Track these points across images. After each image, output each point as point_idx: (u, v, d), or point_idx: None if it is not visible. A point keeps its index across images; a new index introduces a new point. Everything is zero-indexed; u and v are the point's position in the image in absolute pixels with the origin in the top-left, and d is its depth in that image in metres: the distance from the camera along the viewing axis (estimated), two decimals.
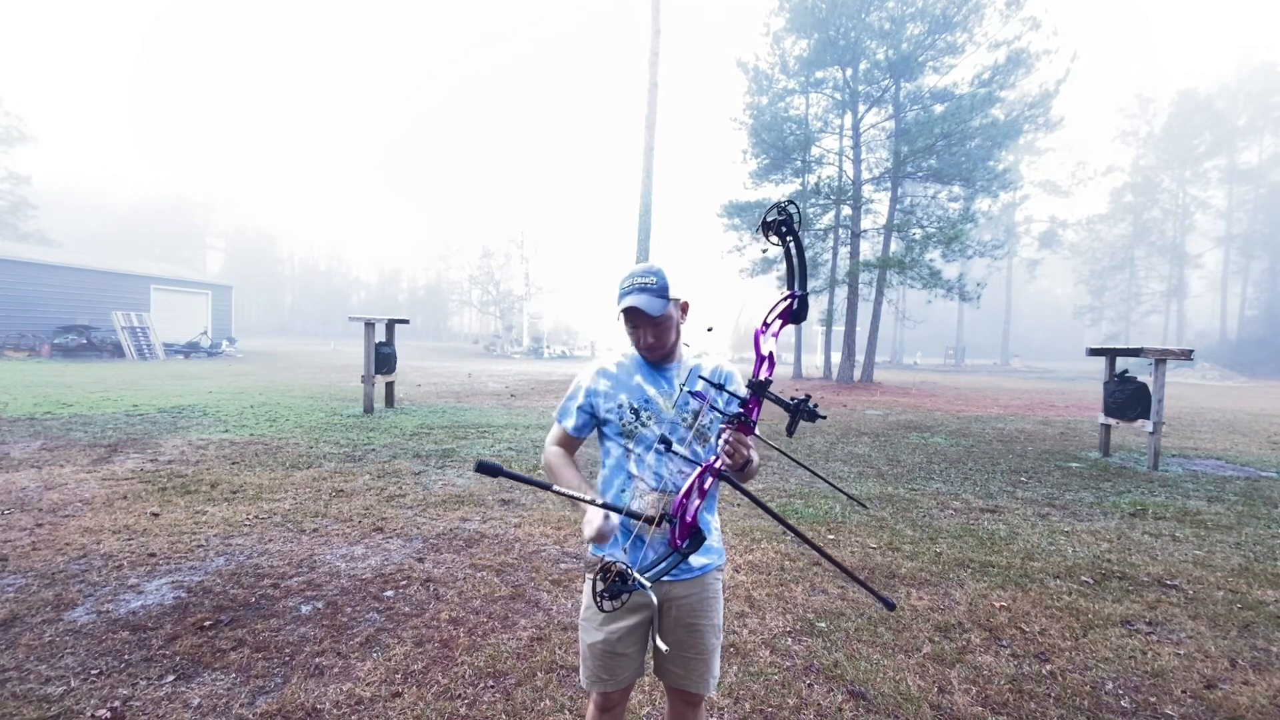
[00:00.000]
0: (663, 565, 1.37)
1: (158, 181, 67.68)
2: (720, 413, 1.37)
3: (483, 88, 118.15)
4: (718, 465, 1.34)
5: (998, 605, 3.35)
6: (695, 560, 1.58)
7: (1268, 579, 3.81)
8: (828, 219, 22.29)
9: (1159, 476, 6.86)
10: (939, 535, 4.58)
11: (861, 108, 22.22)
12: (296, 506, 4.89)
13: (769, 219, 1.30)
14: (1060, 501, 5.69)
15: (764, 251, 1.64)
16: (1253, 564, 4.09)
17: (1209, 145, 43.52)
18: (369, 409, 10.21)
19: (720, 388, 1.41)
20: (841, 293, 23.03)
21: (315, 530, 4.35)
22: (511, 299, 55.28)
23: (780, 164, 22.37)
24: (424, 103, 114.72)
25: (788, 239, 1.30)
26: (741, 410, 1.34)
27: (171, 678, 2.48)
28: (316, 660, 2.65)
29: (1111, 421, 7.99)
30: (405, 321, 11.92)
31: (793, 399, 1.28)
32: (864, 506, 5.09)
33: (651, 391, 1.58)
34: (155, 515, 4.52)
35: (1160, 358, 7.44)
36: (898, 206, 22.28)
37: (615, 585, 1.21)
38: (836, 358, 23.14)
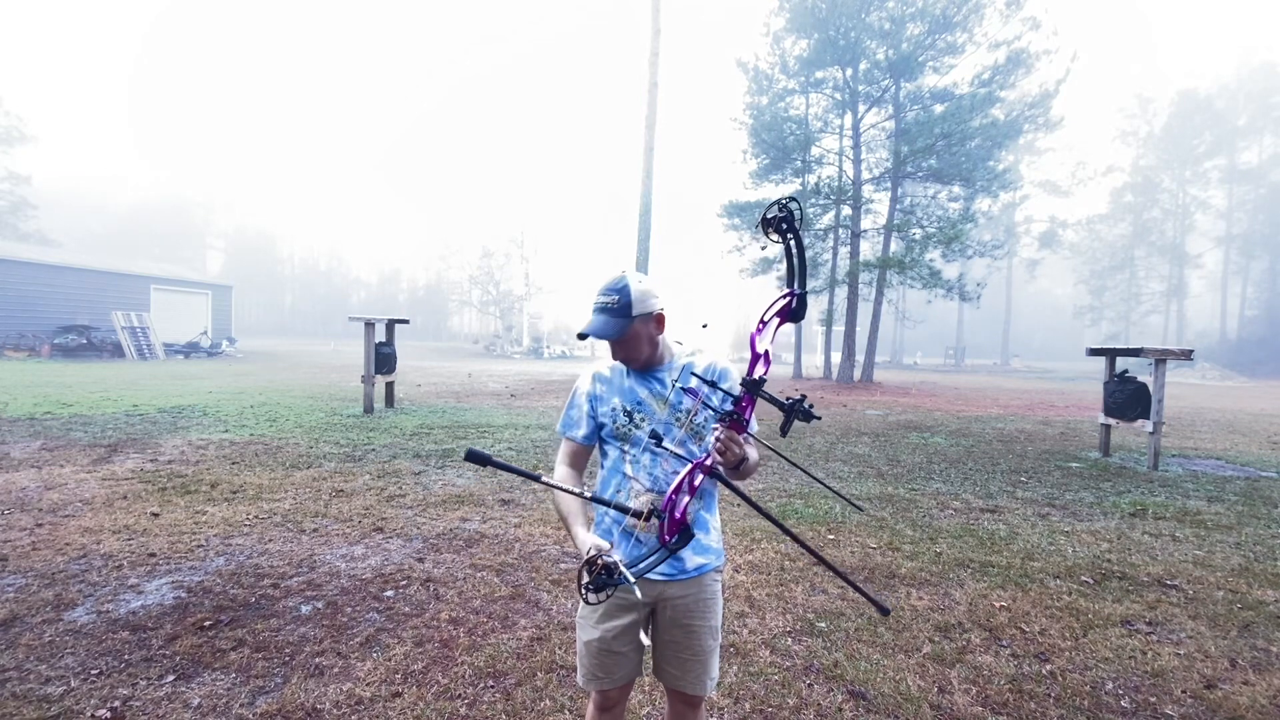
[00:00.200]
0: (650, 560, 1.37)
1: (158, 181, 67.76)
2: (714, 410, 1.36)
3: (483, 88, 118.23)
4: (708, 463, 1.34)
5: (998, 605, 3.35)
6: (691, 560, 1.57)
7: (1268, 579, 3.81)
8: (828, 219, 22.29)
9: (1159, 476, 6.86)
10: (939, 535, 4.58)
11: (861, 108, 22.22)
12: (296, 506, 4.89)
13: (769, 215, 1.28)
14: (1060, 501, 5.69)
15: (763, 249, 1.63)
16: (1253, 564, 4.09)
17: (1209, 145, 43.51)
18: (369, 409, 10.21)
19: (714, 385, 1.40)
20: (841, 293, 23.02)
21: (315, 530, 4.35)
22: (511, 299, 55.29)
23: (780, 164, 22.37)
24: (424, 103, 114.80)
25: (788, 236, 1.28)
26: (734, 409, 1.33)
27: (171, 678, 2.48)
28: (316, 660, 2.65)
29: (1111, 421, 7.99)
30: (405, 321, 11.93)
31: (788, 399, 1.27)
32: (860, 509, 5.07)
33: (644, 393, 1.58)
34: (155, 515, 4.52)
35: (1160, 358, 7.44)
36: (898, 206, 22.28)
37: (600, 578, 1.22)
38: (836, 358, 23.14)
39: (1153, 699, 2.49)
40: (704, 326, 1.66)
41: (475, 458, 1.24)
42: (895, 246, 21.17)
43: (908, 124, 21.21)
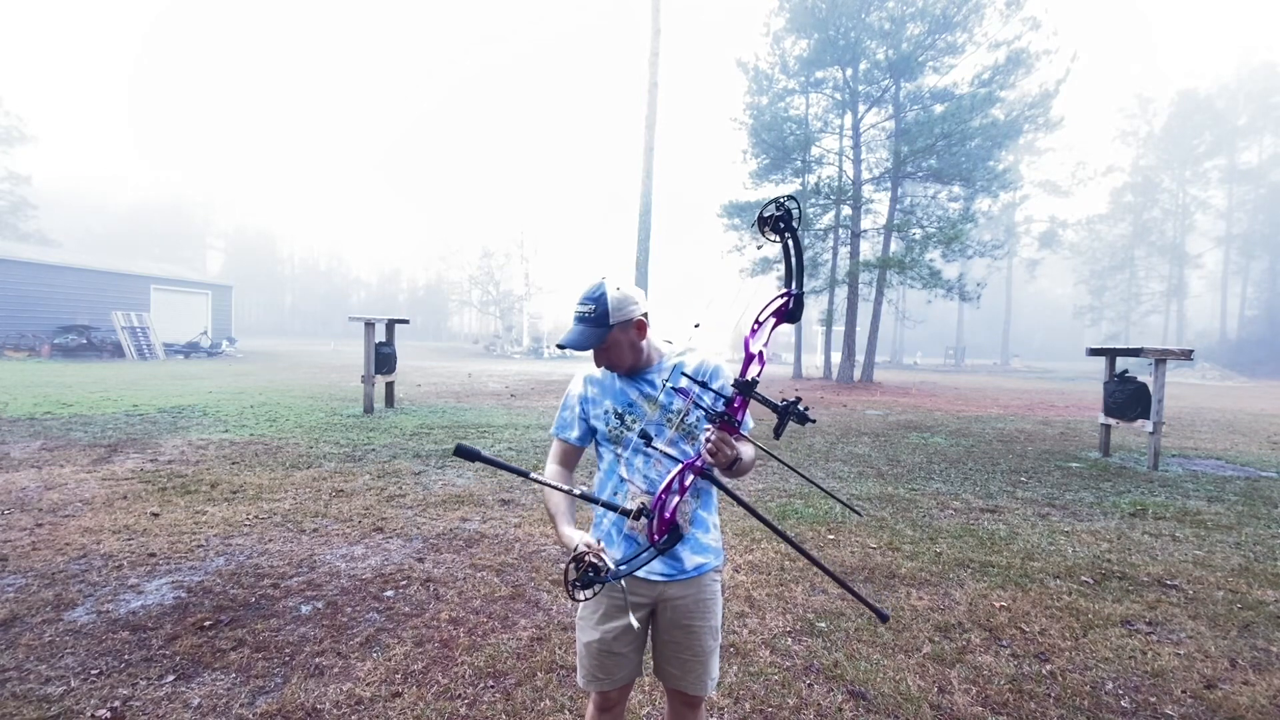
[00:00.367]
0: (639, 559, 1.37)
1: (158, 181, 67.74)
2: (706, 410, 1.35)
3: (483, 88, 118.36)
4: (699, 464, 1.33)
5: (998, 605, 3.35)
6: (690, 559, 1.57)
7: (1268, 579, 3.81)
8: (828, 219, 22.28)
9: (1159, 476, 6.86)
10: (939, 535, 4.58)
11: (861, 108, 22.22)
12: (296, 506, 4.89)
13: (766, 214, 1.25)
14: (1060, 501, 5.69)
15: (759, 248, 1.62)
16: (1253, 564, 4.09)
17: (1209, 145, 43.49)
18: (369, 409, 10.21)
19: (705, 385, 1.39)
20: (841, 293, 23.01)
21: (315, 530, 4.35)
22: (511, 299, 55.28)
23: (780, 164, 22.37)
24: (424, 103, 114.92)
25: (785, 235, 1.25)
26: (725, 409, 1.32)
27: (171, 678, 2.48)
28: (316, 660, 2.65)
29: (1111, 421, 7.99)
30: (405, 321, 11.93)
31: (782, 400, 1.25)
32: (858, 514, 5.05)
33: (634, 395, 1.57)
34: (155, 515, 4.52)
35: (1160, 358, 7.44)
36: (898, 206, 22.27)
37: (588, 575, 1.22)
38: (836, 358, 23.13)
39: (1153, 699, 2.49)
40: (696, 326, 1.65)
41: (464, 453, 1.25)
42: (895, 246, 21.16)
43: (908, 124, 21.21)
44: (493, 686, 2.50)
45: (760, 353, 1.31)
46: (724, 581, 3.53)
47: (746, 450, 1.41)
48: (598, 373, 1.64)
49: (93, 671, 2.50)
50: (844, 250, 22.72)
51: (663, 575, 1.55)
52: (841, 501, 1.78)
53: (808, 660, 2.75)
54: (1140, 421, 7.50)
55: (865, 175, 22.56)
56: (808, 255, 22.05)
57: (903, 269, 19.34)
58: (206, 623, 2.94)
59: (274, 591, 3.33)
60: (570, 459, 1.69)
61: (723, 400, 1.35)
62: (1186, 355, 7.54)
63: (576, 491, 1.33)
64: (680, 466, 1.35)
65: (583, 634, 1.62)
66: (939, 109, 20.62)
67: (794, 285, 1.30)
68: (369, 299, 72.01)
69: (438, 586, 3.46)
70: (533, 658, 2.72)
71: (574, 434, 1.65)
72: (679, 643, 1.59)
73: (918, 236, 20.17)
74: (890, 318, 30.69)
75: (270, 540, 4.11)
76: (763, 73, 22.81)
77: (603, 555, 1.23)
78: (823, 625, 3.08)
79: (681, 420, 1.52)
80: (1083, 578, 3.78)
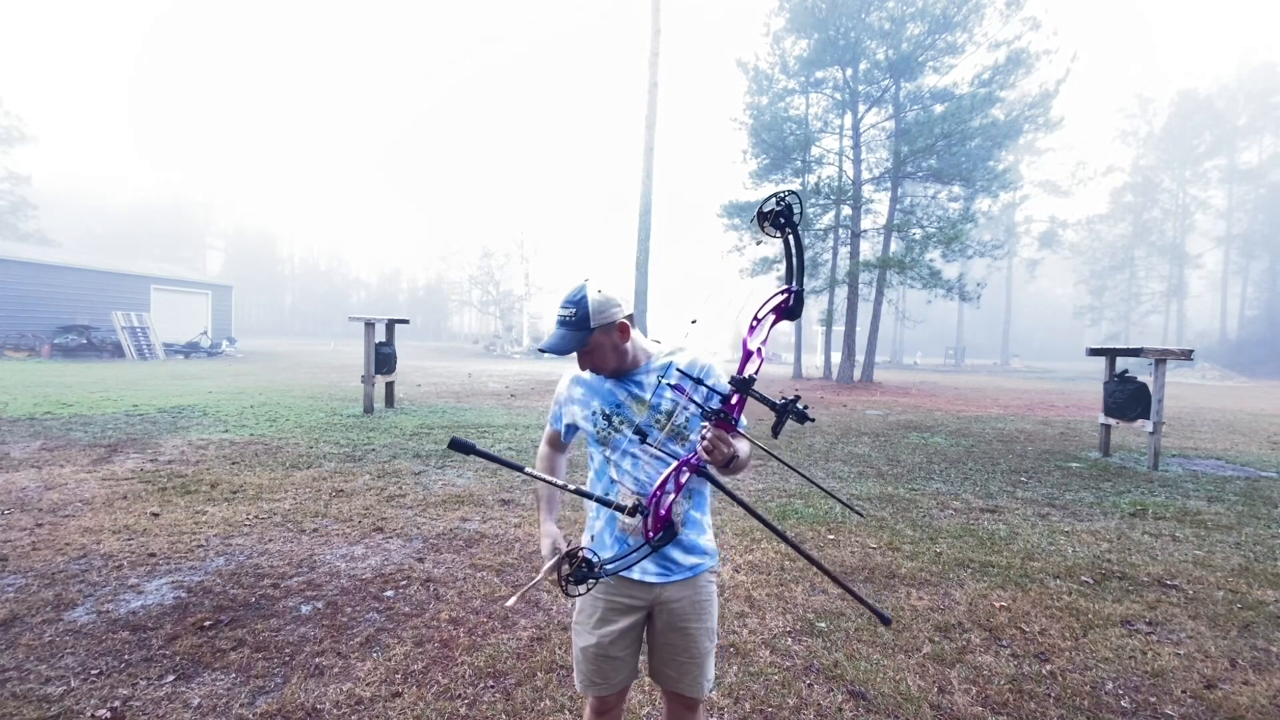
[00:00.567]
0: (633, 556, 1.36)
1: (158, 181, 67.73)
2: (700, 408, 1.33)
3: (483, 88, 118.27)
4: (694, 460, 1.32)
5: (998, 605, 3.35)
6: (685, 560, 1.56)
7: (1268, 579, 3.81)
8: (828, 219, 22.27)
9: (1159, 476, 6.86)
10: (939, 535, 4.58)
11: (861, 108, 22.22)
12: (296, 506, 4.88)
13: (766, 209, 1.23)
14: (1060, 501, 5.69)
15: (758, 244, 1.60)
16: (1253, 564, 4.09)
17: (1209, 145, 43.50)
18: (369, 409, 10.21)
19: (699, 382, 1.37)
20: (841, 293, 23.01)
21: (315, 530, 4.35)
22: (511, 299, 55.26)
23: (780, 164, 22.36)
24: (424, 103, 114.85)
25: (786, 230, 1.23)
26: (722, 406, 1.30)
27: (171, 678, 2.48)
28: (316, 660, 2.65)
29: (1111, 421, 7.99)
30: (405, 321, 11.92)
31: (781, 398, 1.22)
32: (859, 514, 5.05)
33: (622, 395, 1.55)
34: (155, 515, 4.52)
35: (1160, 358, 7.44)
36: (898, 206, 22.27)
37: (581, 571, 1.21)
38: (836, 358, 23.13)
39: (1153, 699, 2.49)
40: (693, 323, 1.64)
41: (459, 446, 1.26)
42: (895, 246, 21.16)
43: (908, 124, 21.21)
44: (493, 686, 2.50)
45: (759, 350, 1.29)
46: (724, 582, 3.54)
47: (743, 447, 1.39)
48: (586, 374, 1.63)
49: (93, 671, 2.50)
50: (844, 250, 22.72)
51: (658, 576, 1.54)
52: (842, 502, 1.78)
53: (808, 660, 2.75)
54: (1140, 421, 7.50)
55: (865, 175, 22.56)
56: (808, 255, 22.05)
57: (903, 269, 19.34)
58: (206, 623, 2.94)
59: (274, 591, 3.33)
60: (560, 443, 1.79)
61: (718, 397, 1.34)
62: (1186, 355, 7.54)
63: (571, 487, 1.33)
64: (676, 464, 1.33)
65: (579, 638, 1.62)
66: (939, 109, 20.62)
67: (794, 282, 1.28)
68: (369, 299, 72.01)
69: (438, 586, 3.46)
70: (533, 658, 2.72)
71: (560, 427, 1.72)
72: (675, 645, 1.58)
73: (918, 236, 20.17)
74: (890, 318, 30.70)
75: (270, 540, 4.11)
76: (763, 73, 22.81)
77: (593, 556, 1.23)
78: (823, 625, 3.08)
79: (670, 421, 1.50)
80: (1083, 578, 3.78)
